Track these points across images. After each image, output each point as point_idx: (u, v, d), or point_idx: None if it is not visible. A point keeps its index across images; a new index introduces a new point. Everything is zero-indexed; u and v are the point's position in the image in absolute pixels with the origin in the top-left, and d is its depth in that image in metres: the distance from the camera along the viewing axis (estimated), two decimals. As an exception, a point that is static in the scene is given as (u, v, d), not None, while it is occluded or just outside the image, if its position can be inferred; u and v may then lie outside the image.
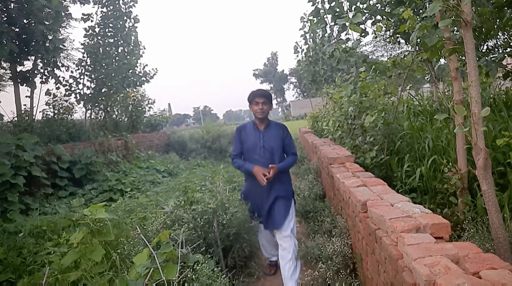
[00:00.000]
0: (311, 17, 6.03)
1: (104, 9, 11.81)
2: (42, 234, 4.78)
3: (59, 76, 10.53)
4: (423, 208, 2.18)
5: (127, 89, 13.22)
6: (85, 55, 11.31)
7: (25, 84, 9.47)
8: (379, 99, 4.92)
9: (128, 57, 12.58)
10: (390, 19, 4.53)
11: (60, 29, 10.00)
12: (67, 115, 10.65)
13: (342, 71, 8.61)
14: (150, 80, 13.79)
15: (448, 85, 6.09)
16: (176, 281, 2.36)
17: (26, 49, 8.96)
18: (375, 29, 4.56)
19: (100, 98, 11.80)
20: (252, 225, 3.63)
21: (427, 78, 9.21)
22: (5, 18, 8.51)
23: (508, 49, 4.16)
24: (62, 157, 8.29)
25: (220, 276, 2.75)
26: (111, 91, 11.85)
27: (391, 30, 4.95)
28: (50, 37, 9.36)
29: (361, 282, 2.87)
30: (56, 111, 10.44)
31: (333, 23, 5.61)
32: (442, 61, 6.55)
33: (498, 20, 4.00)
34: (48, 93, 10.38)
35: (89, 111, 11.98)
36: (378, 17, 4.73)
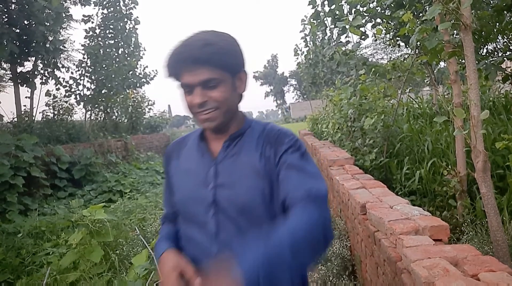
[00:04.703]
0: (311, 20, 6.04)
1: (105, 11, 11.84)
2: (41, 234, 4.78)
3: (59, 77, 10.55)
4: (422, 210, 2.18)
5: (127, 91, 13.23)
6: (85, 56, 11.33)
7: (25, 85, 9.48)
8: (379, 102, 4.93)
9: (128, 58, 12.61)
10: (390, 22, 4.54)
11: (61, 30, 10.04)
12: (67, 116, 10.67)
13: (342, 74, 8.63)
14: (150, 81, 13.81)
15: (448, 88, 6.11)
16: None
17: (26, 50, 8.98)
18: (375, 32, 4.57)
19: (100, 99, 11.82)
20: None
21: (427, 81, 9.23)
22: (5, 19, 8.53)
23: (508, 53, 4.18)
24: (61, 158, 8.29)
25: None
26: (111, 92, 11.86)
27: (391, 33, 4.96)
28: (50, 38, 9.38)
29: (360, 284, 2.86)
30: (56, 112, 10.45)
31: (333, 26, 5.63)
32: (442, 64, 6.57)
33: (497, 24, 4.01)
34: (48, 94, 10.40)
35: (89, 112, 11.99)
36: (378, 20, 4.74)
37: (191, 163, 1.13)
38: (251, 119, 1.15)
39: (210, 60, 0.95)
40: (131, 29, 12.63)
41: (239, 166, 1.04)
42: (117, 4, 12.02)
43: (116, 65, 11.88)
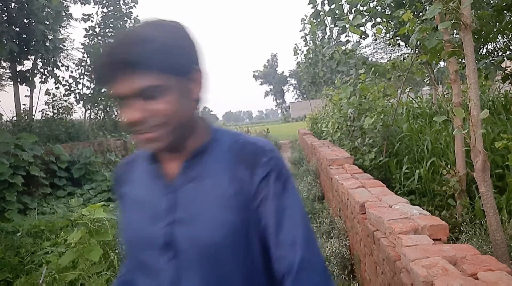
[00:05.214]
0: (311, 19, 6.04)
1: (105, 10, 11.85)
2: (40, 233, 4.78)
3: (59, 76, 10.55)
4: (422, 209, 2.19)
5: (127, 90, 13.22)
6: (85, 55, 11.34)
7: (24, 84, 9.48)
8: (379, 101, 4.93)
9: (128, 57, 12.60)
10: (390, 21, 4.54)
11: (60, 29, 10.03)
12: (66, 115, 10.65)
13: (341, 73, 8.64)
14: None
15: (448, 87, 6.11)
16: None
17: (26, 49, 8.97)
18: (375, 31, 4.58)
19: (99, 98, 11.82)
20: None
21: (427, 81, 9.24)
22: (5, 18, 8.52)
23: (507, 52, 4.18)
24: (60, 157, 8.28)
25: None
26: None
27: (391, 33, 4.96)
28: (50, 37, 9.38)
29: (359, 283, 2.86)
30: (55, 111, 10.44)
31: (333, 25, 5.63)
32: (442, 63, 6.57)
33: (497, 23, 4.02)
34: (47, 92, 10.39)
35: (88, 111, 11.99)
36: (378, 19, 4.74)
37: (141, 191, 0.87)
38: (216, 128, 0.89)
39: (148, 62, 0.71)
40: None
41: (202, 194, 0.80)
42: (117, 2, 12.02)
43: (116, 64, 11.88)
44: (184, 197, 0.80)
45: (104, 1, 11.76)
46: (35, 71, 9.70)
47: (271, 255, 0.79)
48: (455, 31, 3.46)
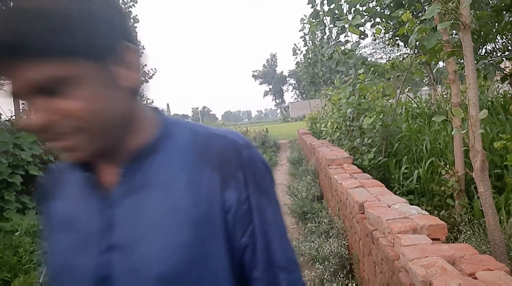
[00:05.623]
0: (310, 19, 6.05)
1: (104, 9, 11.85)
2: (39, 233, 4.78)
3: (58, 75, 10.53)
4: (420, 209, 2.19)
5: (126, 89, 13.20)
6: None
7: (23, 83, 9.47)
8: (378, 101, 4.94)
9: (127, 56, 12.58)
10: (389, 21, 4.55)
11: (59, 28, 10.02)
12: (65, 114, 10.65)
13: (341, 73, 8.64)
14: (149, 80, 13.79)
15: (446, 87, 6.13)
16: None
17: (25, 48, 8.96)
18: (374, 32, 4.59)
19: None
20: None
21: (426, 81, 9.25)
22: (4, 17, 8.52)
23: (506, 53, 4.19)
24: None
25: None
26: (110, 91, 11.84)
27: (390, 33, 4.98)
28: (49, 36, 9.37)
29: (358, 283, 2.87)
30: (54, 110, 10.44)
31: (332, 25, 5.63)
32: (441, 64, 6.59)
33: (496, 24, 4.03)
34: (46, 92, 10.38)
35: (87, 111, 11.98)
36: (377, 19, 4.75)
37: (71, 207, 0.65)
38: (170, 120, 0.66)
39: (44, 44, 0.48)
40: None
41: (148, 209, 0.59)
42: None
43: (115, 64, 11.87)
44: (123, 215, 0.59)
45: (103, 1, 11.77)
46: (34, 70, 9.70)
47: (249, 277, 0.63)
48: (454, 31, 3.47)
